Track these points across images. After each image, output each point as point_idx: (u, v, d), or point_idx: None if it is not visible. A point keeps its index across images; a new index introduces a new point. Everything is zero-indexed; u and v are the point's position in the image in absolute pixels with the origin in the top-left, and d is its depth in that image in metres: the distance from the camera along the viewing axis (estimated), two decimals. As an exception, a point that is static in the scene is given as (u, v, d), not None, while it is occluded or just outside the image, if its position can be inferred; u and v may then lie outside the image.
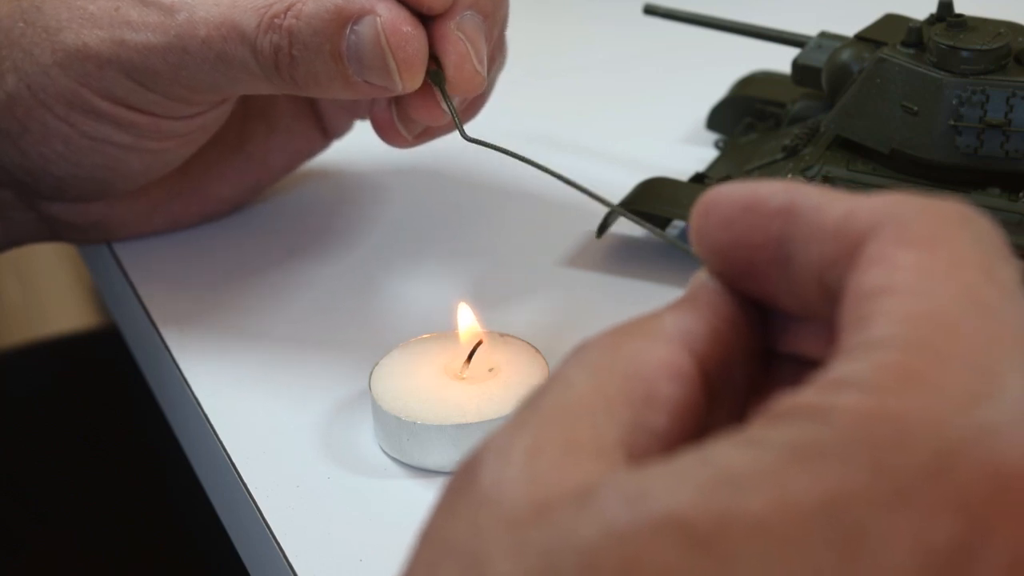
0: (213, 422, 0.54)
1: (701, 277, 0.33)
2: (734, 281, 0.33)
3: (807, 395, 0.28)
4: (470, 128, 0.55)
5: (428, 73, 0.54)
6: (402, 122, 0.57)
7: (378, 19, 0.53)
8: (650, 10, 0.68)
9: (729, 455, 0.27)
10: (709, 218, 0.33)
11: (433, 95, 0.55)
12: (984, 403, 0.27)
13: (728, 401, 0.32)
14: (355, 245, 0.63)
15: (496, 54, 0.58)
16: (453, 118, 0.54)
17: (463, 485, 0.29)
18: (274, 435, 0.53)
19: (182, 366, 0.57)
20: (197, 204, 0.63)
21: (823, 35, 0.64)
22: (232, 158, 0.63)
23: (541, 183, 0.67)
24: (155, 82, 0.55)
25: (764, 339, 0.34)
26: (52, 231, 0.62)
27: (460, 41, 0.54)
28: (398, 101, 0.57)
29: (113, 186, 0.60)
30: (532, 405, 0.30)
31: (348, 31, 0.53)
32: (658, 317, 0.32)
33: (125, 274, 0.62)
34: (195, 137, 0.59)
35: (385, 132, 0.58)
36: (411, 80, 0.53)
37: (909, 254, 0.29)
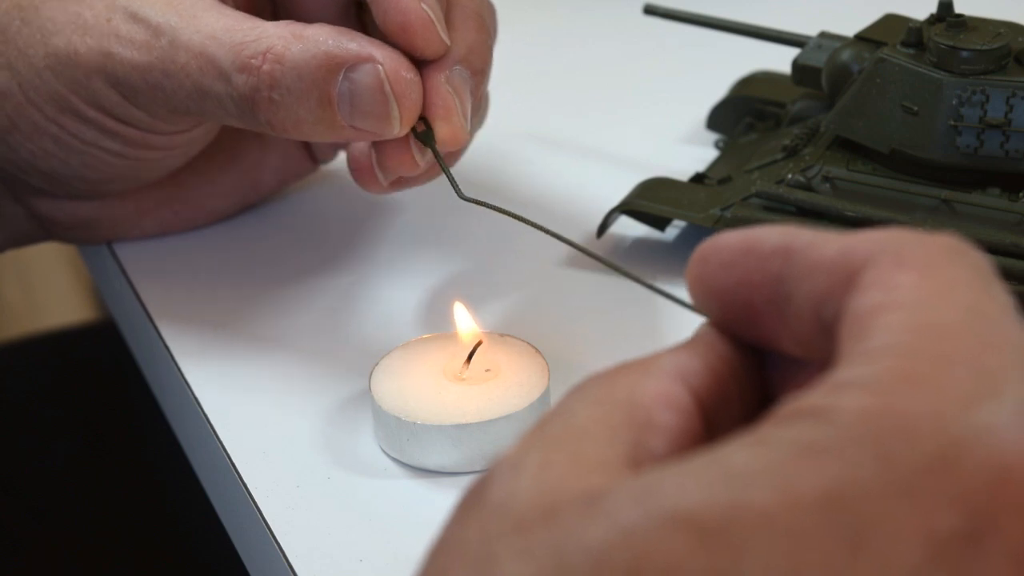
0: (213, 422, 0.54)
1: (703, 328, 0.34)
2: (733, 326, 0.34)
3: (812, 397, 0.29)
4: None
5: (419, 133, 0.53)
6: (380, 168, 0.56)
7: (380, 67, 0.52)
8: (650, 10, 0.68)
9: (736, 454, 0.28)
10: (709, 263, 0.34)
11: (407, 147, 0.54)
12: (985, 404, 0.28)
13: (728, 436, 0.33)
14: (355, 245, 0.63)
15: (478, 109, 0.58)
16: (448, 177, 0.53)
17: (474, 499, 0.30)
18: (274, 435, 0.53)
19: (182, 366, 0.57)
20: (187, 213, 0.63)
21: (823, 35, 0.64)
22: (225, 173, 0.63)
23: (541, 183, 0.67)
24: (138, 98, 0.55)
25: (762, 383, 0.35)
26: (43, 228, 0.62)
27: (449, 95, 0.53)
28: (376, 147, 0.56)
29: (102, 186, 0.60)
30: (538, 431, 0.31)
31: (340, 77, 0.52)
32: (655, 356, 0.33)
33: (124, 273, 0.62)
34: (184, 150, 0.59)
35: (362, 176, 0.57)
36: (408, 126, 0.53)
37: (906, 276, 0.30)
